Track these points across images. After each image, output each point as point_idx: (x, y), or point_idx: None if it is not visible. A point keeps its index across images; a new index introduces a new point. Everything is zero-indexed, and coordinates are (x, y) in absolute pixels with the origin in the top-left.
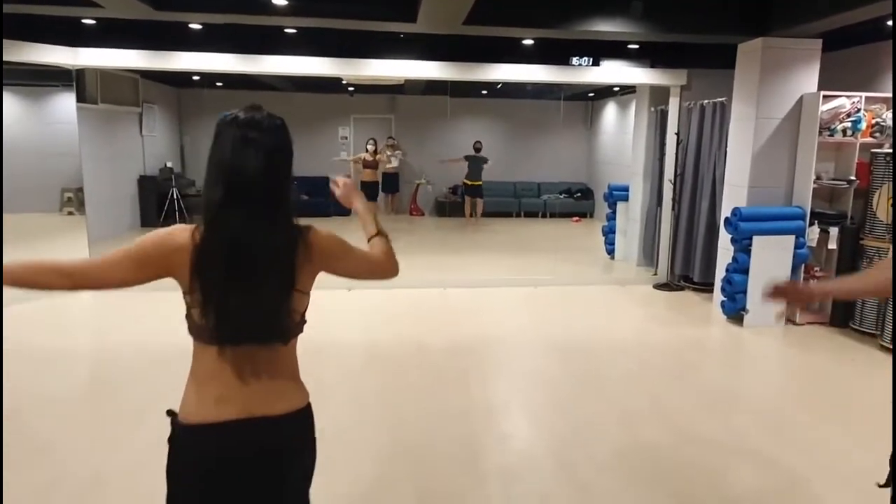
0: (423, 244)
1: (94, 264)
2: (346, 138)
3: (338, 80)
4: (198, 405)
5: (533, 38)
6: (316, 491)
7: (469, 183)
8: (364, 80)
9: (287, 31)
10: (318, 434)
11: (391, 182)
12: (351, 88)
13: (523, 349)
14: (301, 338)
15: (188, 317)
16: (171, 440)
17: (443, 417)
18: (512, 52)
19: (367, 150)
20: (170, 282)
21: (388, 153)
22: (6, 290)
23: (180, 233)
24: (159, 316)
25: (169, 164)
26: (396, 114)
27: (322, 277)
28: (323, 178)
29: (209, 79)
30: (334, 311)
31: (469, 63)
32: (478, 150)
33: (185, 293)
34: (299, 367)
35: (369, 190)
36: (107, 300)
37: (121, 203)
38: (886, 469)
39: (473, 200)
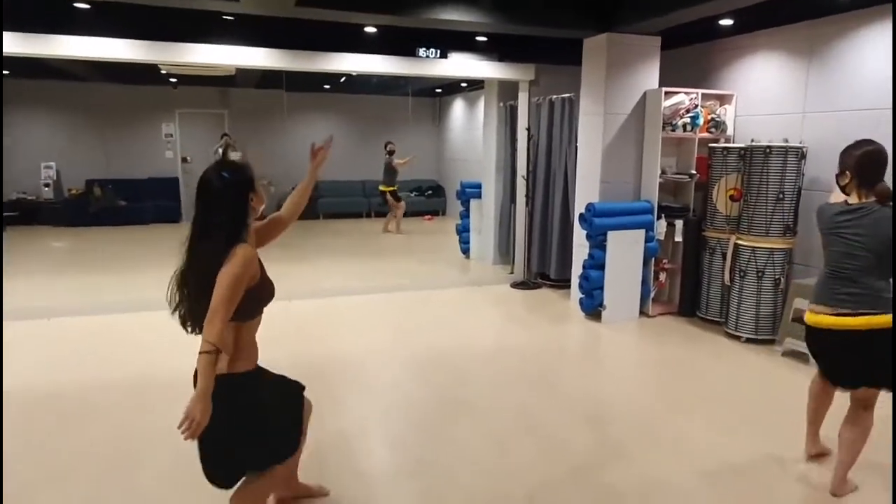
0: (265, 250)
1: None
2: (171, 135)
3: (155, 68)
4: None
5: (375, 26)
6: None
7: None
8: (185, 69)
9: (77, 5)
10: None
11: None
12: (173, 80)
13: (379, 367)
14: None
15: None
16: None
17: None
18: (354, 42)
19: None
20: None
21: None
22: None
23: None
24: None
25: None
26: (230, 109)
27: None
28: (142, 180)
29: None
30: (163, 335)
31: (305, 51)
32: (391, 152)
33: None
34: None
35: None
36: None
37: None
38: (746, 453)
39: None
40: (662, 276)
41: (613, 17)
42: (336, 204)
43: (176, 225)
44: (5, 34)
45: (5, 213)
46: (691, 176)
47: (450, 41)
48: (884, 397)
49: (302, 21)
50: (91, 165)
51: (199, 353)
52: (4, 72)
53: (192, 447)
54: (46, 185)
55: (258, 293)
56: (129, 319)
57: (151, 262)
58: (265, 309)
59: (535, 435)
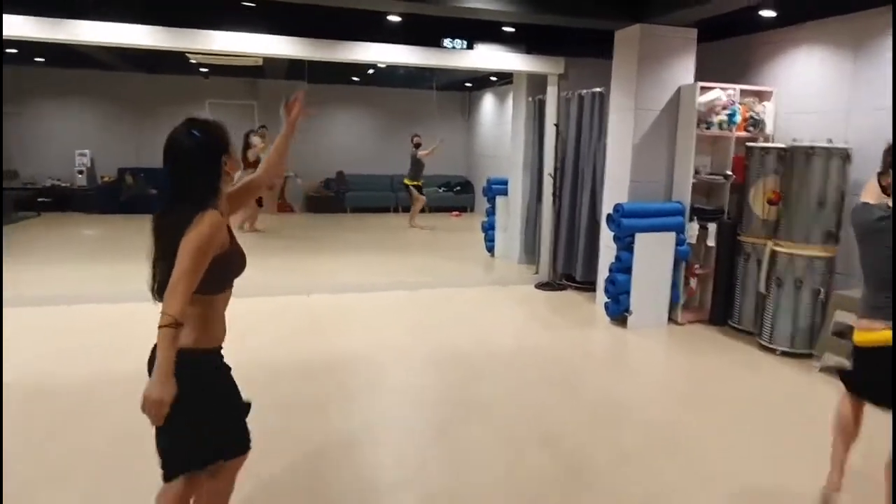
0: (290, 244)
1: None
2: None
3: (185, 58)
4: None
5: (400, 15)
6: None
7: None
8: (212, 59)
9: None
10: None
11: None
12: (204, 70)
13: (395, 364)
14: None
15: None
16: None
17: (295, 455)
18: (378, 31)
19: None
20: None
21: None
22: None
23: None
24: None
25: None
26: (259, 100)
27: None
28: None
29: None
30: None
31: (327, 40)
32: (418, 145)
33: None
34: None
35: None
36: None
37: None
38: (777, 476)
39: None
40: (693, 282)
41: (647, 7)
42: (363, 198)
43: None
44: (22, 18)
45: (39, 199)
46: (727, 177)
47: (476, 32)
48: None
49: (324, 9)
50: (123, 154)
51: (158, 326)
52: (40, 59)
53: None
54: (80, 172)
55: (227, 263)
56: (149, 308)
57: None
58: (283, 302)
59: (551, 441)
